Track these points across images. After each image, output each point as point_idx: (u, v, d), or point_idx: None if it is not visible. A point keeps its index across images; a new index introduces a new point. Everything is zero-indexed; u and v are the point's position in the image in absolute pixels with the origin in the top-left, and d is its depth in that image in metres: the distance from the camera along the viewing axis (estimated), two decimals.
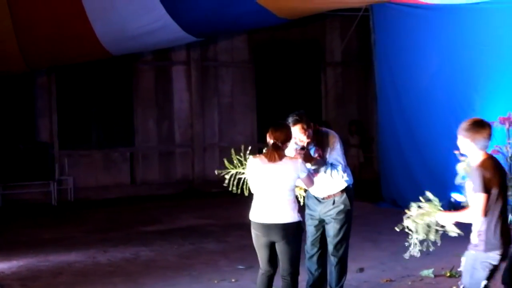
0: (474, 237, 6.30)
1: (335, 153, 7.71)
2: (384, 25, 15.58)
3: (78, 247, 11.81)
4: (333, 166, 7.63)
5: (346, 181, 7.84)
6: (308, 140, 7.61)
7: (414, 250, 6.88)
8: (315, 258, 8.09)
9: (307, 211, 8.09)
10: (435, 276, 9.20)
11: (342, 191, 7.87)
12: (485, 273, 6.18)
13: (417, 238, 6.82)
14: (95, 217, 15.32)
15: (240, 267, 10.04)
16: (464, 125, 6.37)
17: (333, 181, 7.73)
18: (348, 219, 7.91)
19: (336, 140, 7.78)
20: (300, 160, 7.03)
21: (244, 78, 19.99)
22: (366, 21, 16.27)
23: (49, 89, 17.98)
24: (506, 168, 12.19)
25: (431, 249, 6.67)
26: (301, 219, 7.08)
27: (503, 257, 6.24)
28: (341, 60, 20.69)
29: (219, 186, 19.46)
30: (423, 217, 6.90)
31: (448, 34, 13.90)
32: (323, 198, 7.89)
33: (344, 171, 7.73)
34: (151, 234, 12.99)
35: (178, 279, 9.49)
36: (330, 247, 7.92)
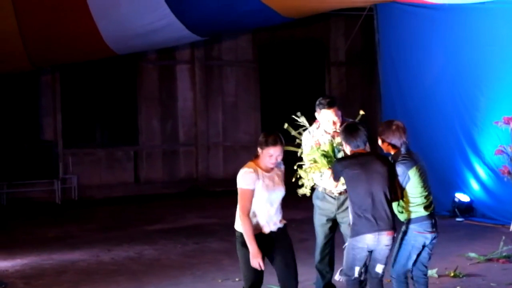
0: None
1: None
2: (389, 24, 15.56)
3: (82, 246, 11.81)
4: None
5: None
6: (337, 123, 7.66)
7: (305, 191, 7.80)
8: (327, 260, 8.04)
9: (318, 212, 8.03)
10: (439, 276, 9.18)
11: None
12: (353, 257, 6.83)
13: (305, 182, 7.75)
14: (99, 216, 15.34)
15: None
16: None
17: None
18: None
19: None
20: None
21: (248, 77, 19.99)
22: (370, 21, 16.25)
23: (53, 87, 18.00)
24: (510, 168, 12.22)
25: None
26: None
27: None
28: (345, 59, 20.68)
29: (223, 185, 19.61)
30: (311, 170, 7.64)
31: (453, 34, 13.88)
32: (339, 194, 7.80)
33: None
34: (155, 233, 13.00)
35: (181, 278, 9.49)
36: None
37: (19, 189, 17.24)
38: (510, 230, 12.11)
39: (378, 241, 6.74)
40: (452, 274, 9.22)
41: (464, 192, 13.70)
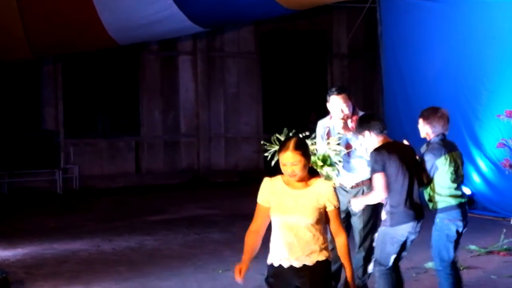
0: (383, 214, 6.84)
1: None
2: (391, 17, 15.55)
3: (83, 236, 11.82)
4: None
5: None
6: (347, 113, 7.63)
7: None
8: (336, 251, 7.99)
9: None
10: None
11: (370, 180, 7.76)
12: (394, 247, 6.77)
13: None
14: (100, 206, 15.35)
15: None
16: None
17: (362, 168, 7.65)
18: (376, 210, 7.81)
19: None
20: None
21: (250, 69, 20.00)
22: (373, 13, 16.24)
23: (55, 78, 18.02)
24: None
25: None
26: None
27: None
28: (347, 52, 20.68)
29: (224, 176, 19.63)
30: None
31: (456, 27, 13.87)
32: (351, 187, 7.78)
33: None
34: (156, 224, 13.01)
35: (182, 269, 9.50)
36: (358, 239, 7.78)
37: (20, 179, 17.27)
38: (511, 223, 12.12)
39: (415, 229, 6.82)
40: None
41: (466, 185, 13.70)
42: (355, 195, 7.68)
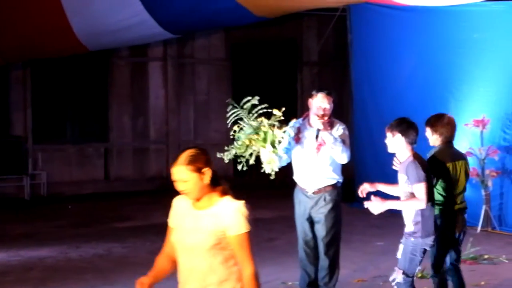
0: (410, 225, 6.79)
1: (347, 139, 7.75)
2: (361, 25, 15.64)
3: (50, 243, 11.76)
4: (343, 142, 7.63)
5: (339, 180, 7.82)
6: (328, 113, 7.68)
7: (227, 156, 7.64)
8: (312, 259, 7.96)
9: (295, 209, 7.99)
10: None
11: (333, 186, 7.77)
12: (421, 258, 6.81)
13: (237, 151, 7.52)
14: (68, 213, 15.27)
15: None
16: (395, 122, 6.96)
17: (326, 172, 7.67)
18: (339, 216, 7.83)
19: (347, 131, 7.90)
20: None
21: (221, 76, 19.99)
22: (343, 21, 16.33)
23: (24, 83, 17.89)
24: (479, 170, 12.31)
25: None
26: None
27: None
28: (317, 59, 20.74)
29: None
30: (251, 142, 7.38)
31: (424, 36, 13.99)
32: (313, 192, 7.78)
33: (349, 157, 7.72)
34: (124, 231, 12.96)
35: None
36: (322, 247, 7.79)
37: None
38: (478, 231, 12.20)
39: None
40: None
41: None
42: (317, 201, 7.70)
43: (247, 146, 7.37)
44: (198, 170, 4.69)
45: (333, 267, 7.82)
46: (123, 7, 13.87)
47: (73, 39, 14.57)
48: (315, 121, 7.57)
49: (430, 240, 6.75)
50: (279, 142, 7.33)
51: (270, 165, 7.37)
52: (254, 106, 7.33)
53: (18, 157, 17.20)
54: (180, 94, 19.45)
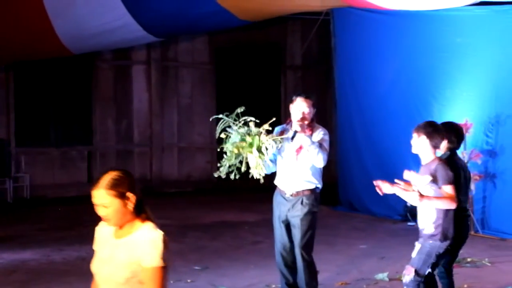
0: (430, 227, 6.78)
1: (325, 143, 7.70)
2: (345, 29, 15.68)
3: (33, 245, 11.71)
4: (320, 146, 7.59)
5: (318, 185, 7.82)
6: (307, 116, 7.68)
7: (223, 172, 7.42)
8: (289, 262, 7.93)
9: (274, 211, 8.00)
10: (390, 279, 9.27)
11: (312, 190, 7.76)
12: (435, 260, 6.87)
13: (228, 162, 7.40)
14: (51, 216, 15.20)
15: (196, 267, 10.05)
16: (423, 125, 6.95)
17: (305, 175, 7.68)
18: (315, 221, 7.81)
19: (327, 135, 7.82)
20: None
21: (204, 80, 20.00)
22: (326, 25, 16.35)
23: (7, 86, 17.81)
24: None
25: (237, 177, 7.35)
26: None
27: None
28: (301, 63, 20.79)
29: (177, 186, 19.55)
30: (239, 149, 7.30)
31: (408, 40, 14.05)
32: (290, 195, 7.78)
33: (326, 160, 7.62)
34: None
35: None
36: (298, 250, 7.79)
37: None
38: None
39: None
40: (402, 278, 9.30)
41: None
42: (294, 205, 7.71)
43: (236, 154, 7.37)
44: (121, 196, 4.28)
45: (311, 270, 7.80)
46: (106, 10, 13.87)
47: (56, 42, 14.55)
48: (295, 124, 7.60)
49: (446, 245, 6.81)
50: (266, 148, 7.34)
51: (257, 170, 7.38)
52: (240, 114, 7.35)
53: (0, 160, 17.11)
54: (163, 98, 19.44)
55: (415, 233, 12.71)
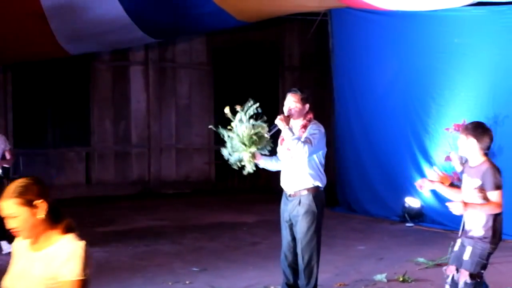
0: (480, 230, 6.79)
1: (310, 135, 7.62)
2: (342, 30, 15.68)
3: None
4: (301, 140, 7.54)
5: (318, 184, 7.77)
6: (292, 112, 7.70)
7: (250, 168, 7.53)
8: (290, 262, 7.89)
9: (281, 212, 7.98)
10: (388, 280, 9.27)
11: (309, 190, 7.71)
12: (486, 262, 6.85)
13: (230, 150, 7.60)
14: None
15: (195, 269, 10.04)
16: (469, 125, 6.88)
17: (300, 177, 7.65)
18: (314, 221, 7.71)
19: (317, 130, 7.72)
20: None
21: (202, 80, 20.00)
22: (324, 26, 16.35)
23: (4, 87, 17.80)
24: (460, 175, 12.37)
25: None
26: None
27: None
28: (299, 64, 20.79)
29: (175, 187, 19.53)
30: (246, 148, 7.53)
31: (406, 41, 14.04)
32: (289, 195, 7.77)
33: (312, 152, 7.58)
34: (106, 235, 12.92)
35: (132, 280, 9.45)
36: (299, 250, 7.75)
37: None
38: (459, 235, 12.24)
39: None
40: (401, 279, 9.31)
41: (415, 198, 13.83)
42: (294, 204, 7.69)
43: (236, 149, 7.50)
44: (29, 204, 3.96)
45: (309, 271, 7.76)
46: (104, 11, 13.85)
47: (53, 43, 14.54)
48: (276, 119, 7.64)
49: (496, 246, 6.82)
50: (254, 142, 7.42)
51: (250, 164, 7.46)
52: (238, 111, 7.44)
53: None
54: (161, 98, 19.43)
55: (413, 234, 12.76)
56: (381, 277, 9.36)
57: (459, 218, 12.46)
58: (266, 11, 14.52)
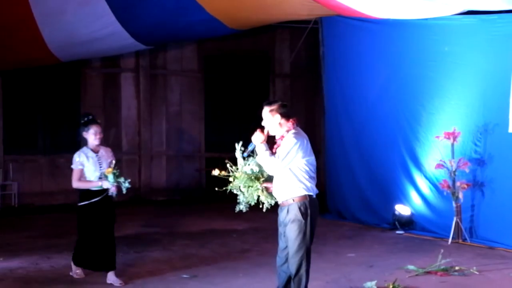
0: None
1: (280, 150, 7.52)
2: (333, 38, 15.71)
3: (21, 253, 11.67)
4: (270, 156, 7.51)
5: (304, 193, 7.72)
6: (266, 127, 7.63)
7: (240, 207, 7.74)
8: (283, 267, 7.87)
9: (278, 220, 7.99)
10: None
11: (295, 199, 7.66)
12: None
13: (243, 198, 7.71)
14: (39, 223, 15.17)
15: (185, 276, 10.02)
16: None
17: (284, 187, 7.64)
18: (302, 230, 7.67)
19: (288, 141, 7.57)
20: None
21: (193, 87, 20.01)
22: (315, 34, 16.39)
23: None
24: (450, 182, 12.41)
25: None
26: None
27: None
28: (290, 71, 20.83)
29: (165, 194, 19.51)
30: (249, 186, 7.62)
31: (396, 49, 14.08)
32: (280, 204, 7.77)
33: (281, 167, 7.49)
34: None
35: (122, 287, 9.44)
36: (288, 259, 7.75)
37: None
38: (449, 243, 12.28)
39: None
40: (391, 286, 9.30)
41: (405, 205, 13.85)
42: (283, 214, 7.69)
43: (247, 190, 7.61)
44: None
45: (298, 280, 7.72)
46: (95, 18, 13.85)
47: (44, 50, 14.53)
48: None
49: None
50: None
51: (268, 198, 7.72)
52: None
53: None
54: (152, 105, 19.44)
55: (403, 241, 12.79)
56: (371, 284, 9.35)
57: (449, 226, 12.55)
58: (257, 19, 14.54)
